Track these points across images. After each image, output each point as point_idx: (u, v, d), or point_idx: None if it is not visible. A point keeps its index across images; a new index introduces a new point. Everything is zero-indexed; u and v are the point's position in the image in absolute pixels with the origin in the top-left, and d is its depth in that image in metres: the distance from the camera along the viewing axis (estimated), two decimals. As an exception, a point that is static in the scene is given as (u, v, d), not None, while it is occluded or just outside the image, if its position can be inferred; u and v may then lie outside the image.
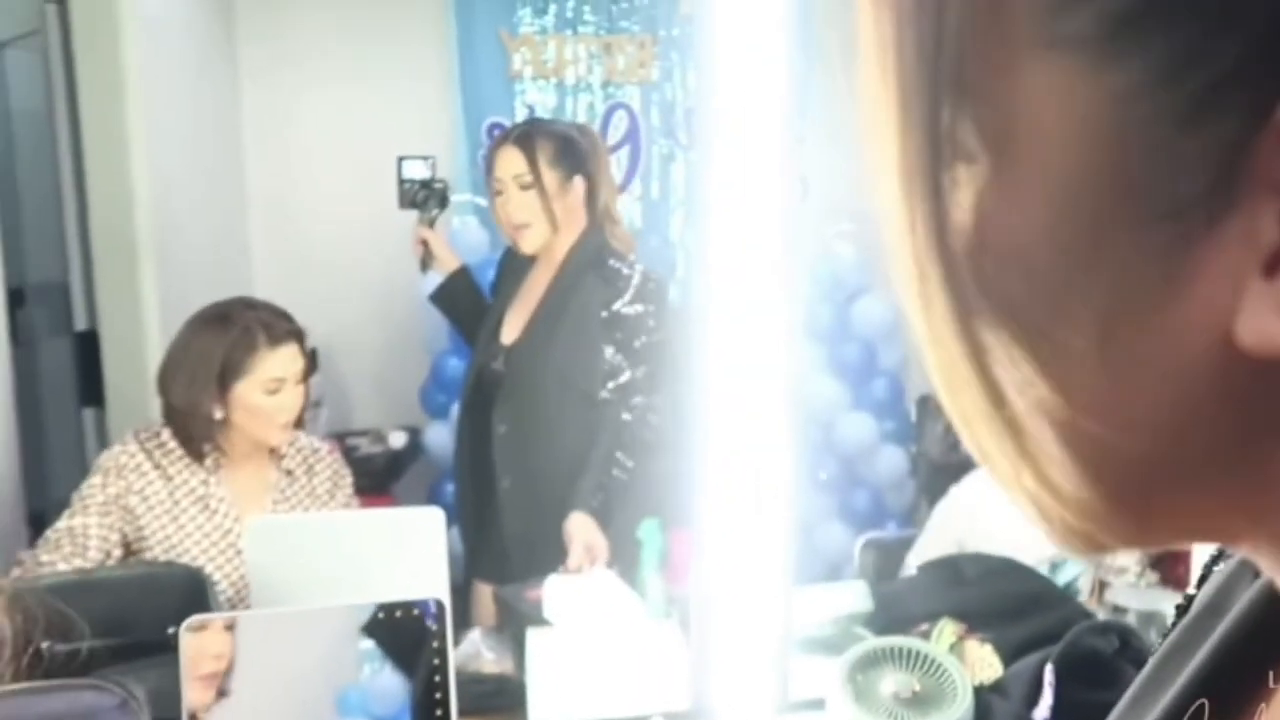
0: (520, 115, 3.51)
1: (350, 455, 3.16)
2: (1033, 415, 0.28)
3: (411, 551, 1.58)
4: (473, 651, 1.69)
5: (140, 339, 2.77)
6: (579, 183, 2.07)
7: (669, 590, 1.74)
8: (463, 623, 1.91)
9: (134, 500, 1.74)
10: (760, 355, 1.50)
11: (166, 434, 1.78)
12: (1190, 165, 0.24)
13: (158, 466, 1.76)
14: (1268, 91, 0.23)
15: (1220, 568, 0.38)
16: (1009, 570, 1.63)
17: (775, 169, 1.48)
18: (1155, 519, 0.29)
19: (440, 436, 3.30)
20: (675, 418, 2.07)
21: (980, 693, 1.36)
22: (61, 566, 1.67)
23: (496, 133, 2.86)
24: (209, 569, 1.65)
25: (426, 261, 2.35)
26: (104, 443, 2.82)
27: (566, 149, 2.08)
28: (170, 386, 1.77)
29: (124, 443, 1.79)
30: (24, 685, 0.51)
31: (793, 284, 1.54)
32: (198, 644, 1.29)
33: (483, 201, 2.45)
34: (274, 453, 1.83)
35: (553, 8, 3.60)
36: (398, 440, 3.52)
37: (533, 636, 1.66)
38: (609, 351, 2.02)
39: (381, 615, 1.35)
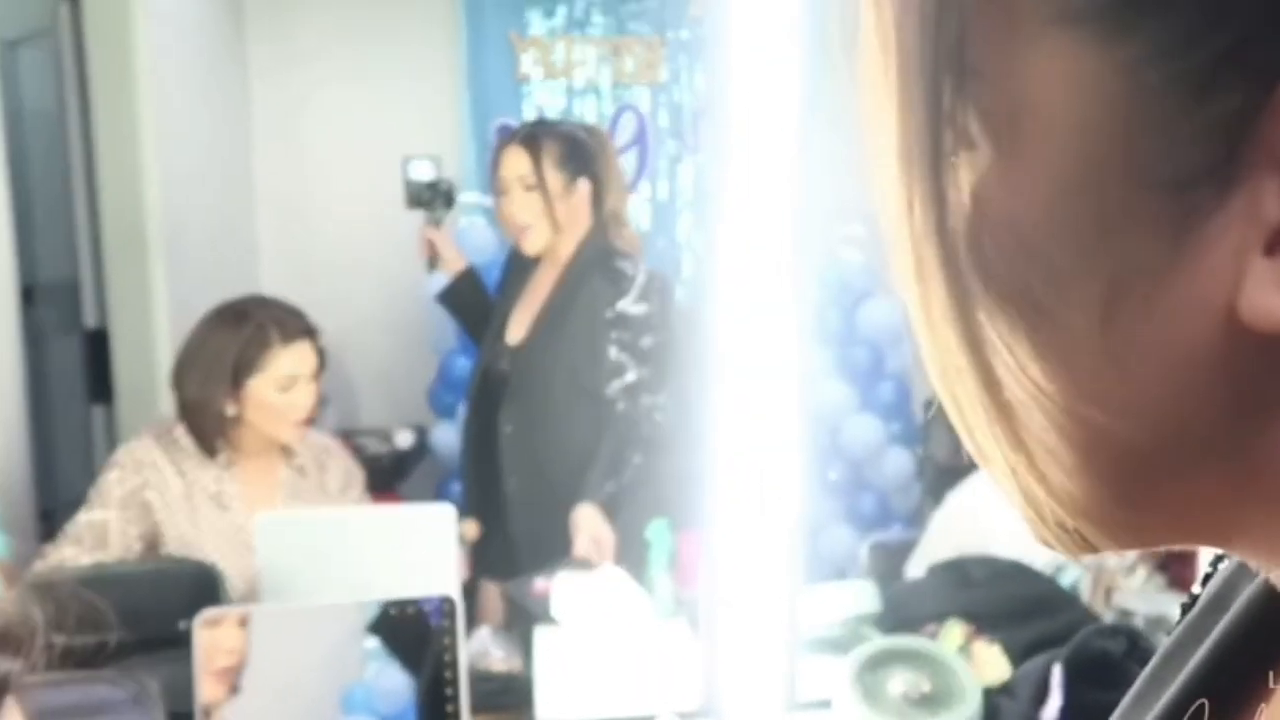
0: (528, 116, 3.52)
1: (357, 454, 3.16)
2: (1029, 403, 0.28)
3: (422, 548, 1.58)
4: (480, 649, 1.70)
5: (150, 337, 2.78)
6: (584, 185, 2.07)
7: (677, 590, 1.75)
8: (469, 621, 1.92)
9: (151, 496, 1.75)
10: (769, 357, 1.51)
11: (180, 430, 1.79)
12: (1195, 140, 0.24)
13: (173, 463, 1.77)
14: (1273, 65, 0.23)
15: (1223, 565, 0.38)
16: (1016, 572, 1.63)
17: (784, 171, 1.49)
18: (1149, 513, 0.29)
19: (447, 436, 3.31)
20: (681, 417, 2.07)
21: (988, 694, 1.36)
22: (84, 560, 1.68)
23: (504, 133, 2.87)
24: (222, 565, 1.66)
25: (433, 261, 2.36)
26: (113, 440, 2.83)
27: (573, 151, 2.09)
28: (184, 382, 1.78)
29: (139, 438, 1.80)
30: (39, 677, 0.52)
31: (801, 286, 1.54)
32: (211, 639, 1.30)
33: (490, 202, 2.45)
34: (286, 450, 1.84)
35: (562, 9, 3.61)
36: (404, 439, 3.53)
37: (540, 635, 1.66)
38: (614, 351, 2.02)
39: (388, 613, 1.36)
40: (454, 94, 3.65)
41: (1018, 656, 1.45)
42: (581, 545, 1.89)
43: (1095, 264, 0.26)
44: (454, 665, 1.36)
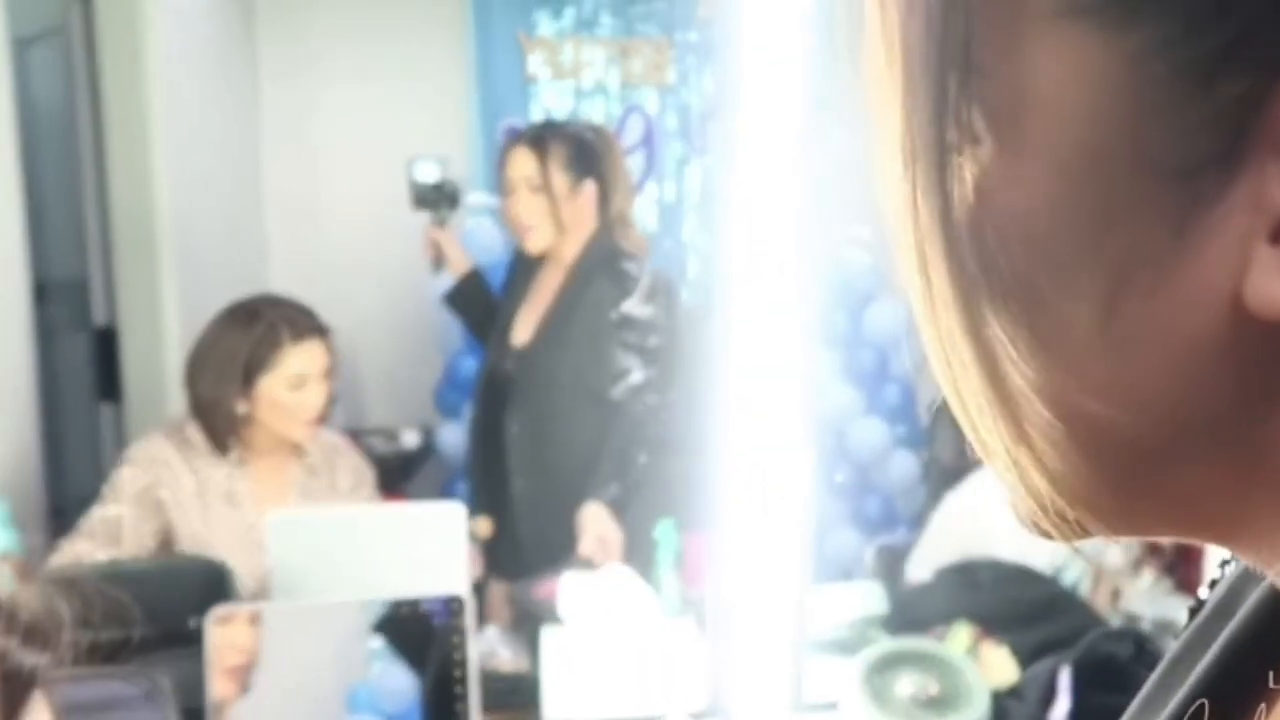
0: (536, 117, 3.53)
1: (363, 454, 3.17)
2: (1032, 395, 0.28)
3: (433, 546, 1.59)
4: (488, 649, 1.70)
5: (159, 335, 2.79)
6: (590, 186, 2.07)
7: (684, 590, 1.75)
8: (477, 620, 1.92)
9: (164, 493, 1.76)
10: (776, 358, 1.52)
11: (192, 428, 1.80)
12: (1199, 128, 0.24)
13: (185, 460, 1.78)
14: (1277, 53, 0.23)
15: (1229, 569, 0.38)
16: (1023, 575, 1.64)
17: (790, 174, 1.49)
18: (1152, 505, 0.29)
19: (453, 436, 3.31)
20: (688, 418, 2.08)
21: (996, 696, 1.37)
22: (99, 555, 1.69)
23: (512, 134, 2.88)
24: (232, 563, 1.67)
25: (438, 262, 2.37)
26: (121, 438, 2.84)
27: (579, 152, 2.09)
28: (196, 381, 1.79)
29: (152, 436, 1.81)
30: (64, 672, 0.53)
31: (808, 288, 1.55)
32: (221, 636, 1.30)
33: (497, 203, 2.46)
34: (297, 449, 1.85)
35: (570, 11, 3.62)
36: (410, 439, 3.53)
37: (547, 635, 1.67)
38: (620, 352, 2.03)
39: (393, 612, 1.36)
40: (462, 94, 3.65)
41: (1025, 659, 1.45)
42: (587, 544, 1.89)
43: (1099, 254, 0.26)
44: (463, 664, 1.37)
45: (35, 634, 0.53)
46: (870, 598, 1.64)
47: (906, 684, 1.34)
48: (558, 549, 1.93)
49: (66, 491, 2.67)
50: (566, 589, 1.74)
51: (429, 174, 2.46)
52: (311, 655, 1.38)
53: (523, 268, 2.21)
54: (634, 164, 3.56)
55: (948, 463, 3.29)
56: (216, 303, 1.88)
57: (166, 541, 1.77)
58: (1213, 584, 0.39)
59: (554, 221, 2.07)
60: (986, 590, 1.60)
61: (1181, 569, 1.83)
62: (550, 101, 3.62)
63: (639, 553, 1.84)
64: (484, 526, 2.07)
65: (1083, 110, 0.25)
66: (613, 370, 2.02)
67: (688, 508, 1.74)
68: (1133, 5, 0.25)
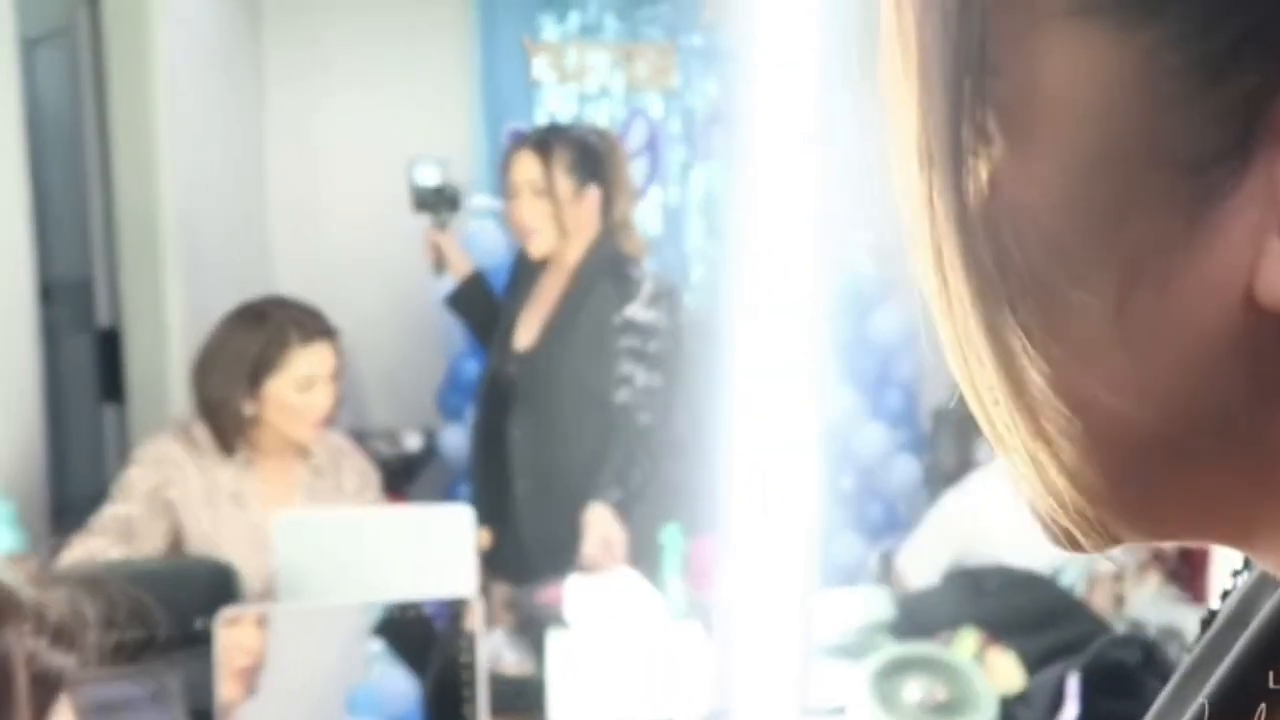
0: (540, 121, 3.53)
1: (365, 456, 3.17)
2: (1048, 391, 0.28)
3: (440, 548, 1.59)
4: (493, 653, 1.70)
5: (162, 337, 2.79)
6: (594, 191, 2.08)
7: (690, 595, 1.75)
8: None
9: (173, 494, 1.76)
10: (781, 362, 1.52)
11: (199, 429, 1.80)
12: (1211, 121, 0.24)
13: (194, 461, 1.78)
14: None
15: (1243, 579, 0.38)
16: (1029, 582, 1.64)
17: (796, 180, 1.49)
18: (1168, 503, 0.29)
19: (455, 439, 3.31)
20: (692, 422, 2.08)
21: (1004, 702, 1.37)
22: (113, 552, 1.69)
23: (517, 138, 2.88)
24: (239, 564, 1.67)
25: (439, 265, 2.37)
26: (124, 440, 2.84)
27: (584, 157, 2.09)
28: (203, 382, 1.79)
29: (161, 436, 1.81)
30: (89, 673, 0.53)
31: (815, 292, 1.55)
32: (230, 638, 1.30)
33: (501, 206, 2.46)
34: (303, 450, 1.85)
35: (575, 15, 3.62)
36: (413, 442, 3.53)
37: (553, 638, 1.67)
38: (622, 357, 2.03)
39: (392, 615, 1.36)
40: (466, 98, 3.66)
41: (1031, 665, 1.45)
42: (592, 545, 1.89)
43: (1111, 249, 0.26)
44: (470, 668, 1.37)
45: (63, 635, 0.53)
46: (876, 603, 1.64)
47: (914, 689, 1.34)
48: (560, 553, 1.93)
49: (69, 492, 2.67)
50: (572, 592, 1.74)
51: (429, 177, 2.46)
52: (318, 657, 1.38)
53: (525, 271, 2.21)
54: (638, 168, 3.56)
55: (949, 468, 3.30)
56: (220, 305, 1.88)
57: (176, 542, 1.77)
58: (1225, 594, 0.39)
59: (557, 226, 2.07)
60: (993, 596, 1.60)
61: (1186, 576, 1.83)
62: (554, 106, 3.63)
63: (645, 557, 1.84)
64: (483, 537, 2.07)
65: (1096, 106, 0.26)
66: (615, 375, 2.02)
67: (693, 512, 1.74)
68: (1150, 2, 0.25)
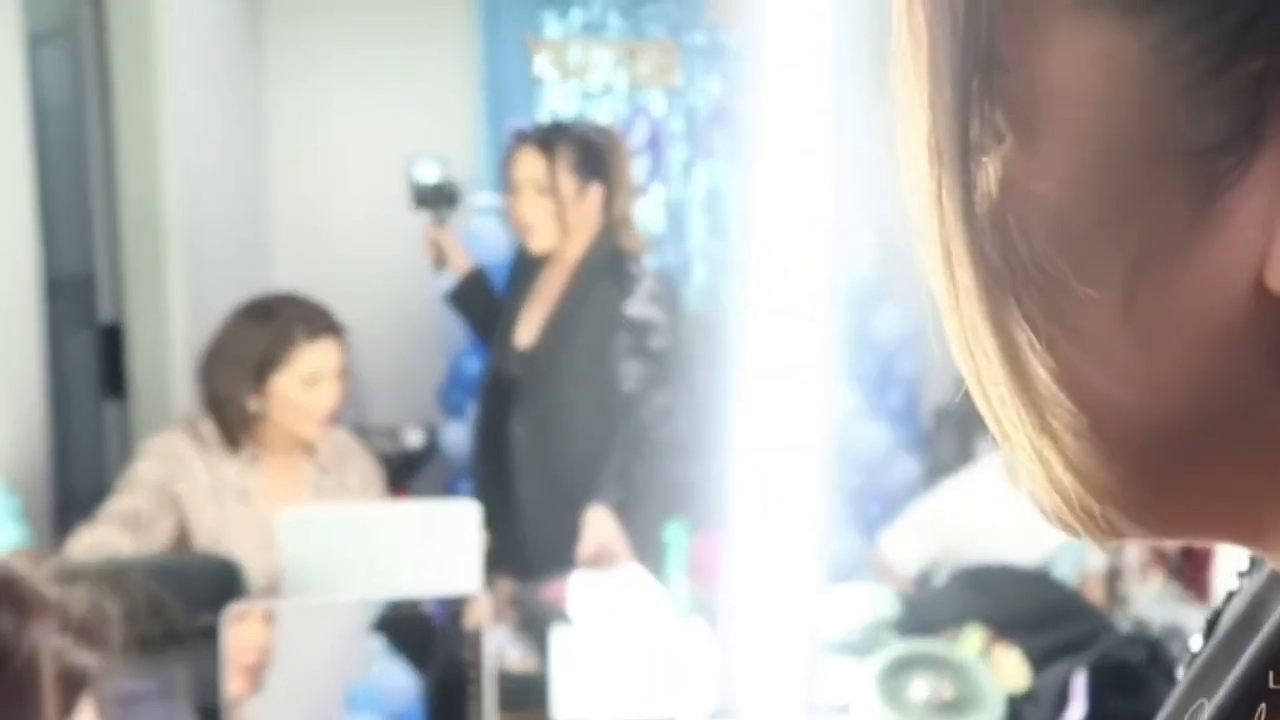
0: (543, 119, 3.53)
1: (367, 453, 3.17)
2: (1055, 384, 0.28)
3: (446, 544, 1.59)
4: (498, 649, 1.70)
5: (165, 333, 2.79)
6: (596, 189, 2.08)
7: (695, 592, 1.75)
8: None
9: (180, 488, 1.76)
10: (786, 361, 1.52)
11: (205, 425, 1.80)
12: (1217, 108, 0.24)
13: (201, 456, 1.78)
14: None
15: (1249, 580, 0.38)
16: (1034, 580, 1.64)
17: (800, 179, 1.50)
18: (1177, 499, 0.29)
19: (457, 435, 3.31)
20: (693, 419, 2.08)
21: (1011, 700, 1.37)
22: (122, 540, 1.68)
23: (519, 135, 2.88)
24: (245, 560, 1.67)
25: (439, 262, 2.37)
26: (126, 436, 2.83)
27: (587, 155, 2.09)
28: (209, 377, 1.79)
29: (169, 431, 1.82)
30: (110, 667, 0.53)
31: (819, 290, 1.55)
32: (236, 634, 1.30)
33: (503, 203, 2.47)
34: (309, 447, 1.85)
35: (577, 13, 3.62)
36: (414, 439, 3.53)
37: (557, 635, 1.67)
38: (623, 354, 2.03)
39: (391, 612, 1.36)
40: (469, 96, 3.66)
41: (1036, 663, 1.46)
42: (588, 549, 1.89)
43: (1119, 241, 0.26)
44: (477, 664, 1.37)
45: (87, 633, 0.54)
46: (881, 600, 1.65)
47: (921, 687, 1.34)
48: (563, 549, 1.93)
49: (71, 488, 2.67)
50: (576, 589, 1.74)
51: (429, 173, 2.46)
52: (323, 653, 1.38)
53: (525, 268, 2.21)
54: (640, 166, 3.56)
55: (950, 466, 3.30)
56: (222, 301, 1.88)
57: (181, 537, 1.77)
58: (1230, 595, 0.39)
59: (559, 223, 2.07)
60: (997, 594, 1.60)
61: (1189, 574, 1.83)
62: (557, 103, 3.63)
63: (649, 554, 1.84)
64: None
65: (1103, 98, 0.26)
66: (616, 371, 2.03)
67: (698, 509, 1.74)
68: None
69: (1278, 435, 0.26)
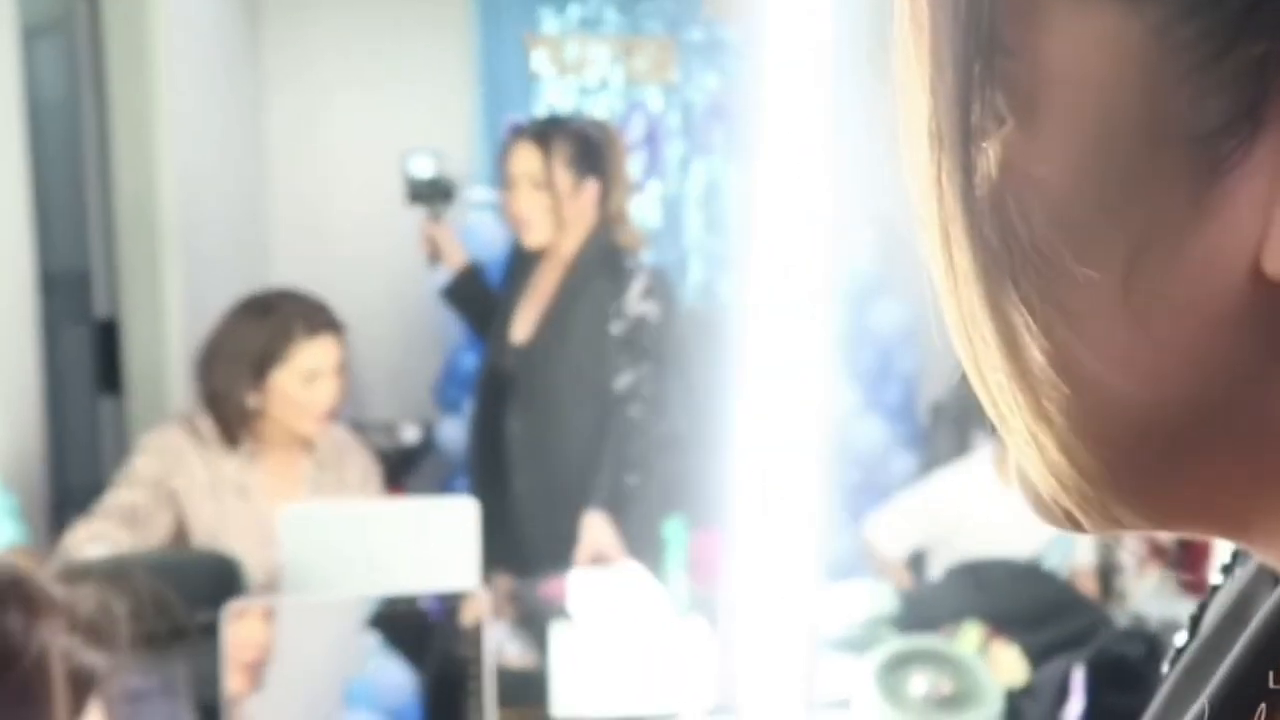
0: (540, 114, 3.53)
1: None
2: (1052, 370, 0.28)
3: (443, 541, 1.59)
4: (496, 645, 1.70)
5: (161, 329, 2.78)
6: (592, 184, 2.08)
7: (694, 588, 1.76)
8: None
9: (178, 484, 1.76)
10: (784, 357, 1.52)
11: (203, 421, 1.80)
12: (1218, 91, 0.24)
13: (199, 452, 1.78)
14: None
15: (1234, 577, 0.38)
16: (1032, 576, 1.65)
17: (798, 173, 1.50)
18: (1170, 488, 0.29)
19: (453, 431, 3.31)
20: (690, 415, 2.08)
21: (1010, 695, 1.37)
22: (120, 535, 1.68)
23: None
24: (244, 556, 1.67)
25: (434, 257, 2.37)
26: (121, 432, 2.83)
27: (584, 150, 2.09)
28: (208, 373, 1.79)
29: (167, 426, 1.81)
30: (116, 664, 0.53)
31: (820, 286, 1.55)
32: (237, 632, 1.30)
33: (500, 198, 2.46)
34: (307, 443, 1.85)
35: (574, 8, 3.62)
36: (410, 435, 3.53)
37: (557, 631, 1.67)
38: (618, 349, 2.03)
39: (387, 609, 1.36)
40: (466, 91, 3.65)
41: (1034, 659, 1.46)
42: (584, 555, 1.89)
43: (1118, 224, 0.26)
44: (477, 661, 1.37)
45: (95, 632, 0.53)
46: (880, 596, 1.65)
47: (920, 683, 1.34)
48: (559, 545, 1.93)
49: (67, 484, 2.66)
50: (575, 586, 1.74)
51: (424, 168, 2.45)
52: (323, 650, 1.38)
53: (521, 263, 2.21)
54: (637, 162, 3.56)
55: (948, 462, 3.31)
56: (218, 297, 1.88)
57: (179, 534, 1.77)
58: (1214, 591, 0.39)
59: (554, 218, 2.07)
60: (996, 590, 1.61)
61: (1187, 568, 1.84)
62: (554, 98, 3.63)
63: (647, 551, 1.85)
64: None
65: (1105, 81, 0.26)
66: (612, 367, 2.02)
67: (697, 505, 1.74)
68: None
69: (1270, 425, 0.26)
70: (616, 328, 2.03)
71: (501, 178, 2.16)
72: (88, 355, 2.94)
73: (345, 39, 3.61)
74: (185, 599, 1.48)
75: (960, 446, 3.12)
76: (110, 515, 1.71)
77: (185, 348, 2.29)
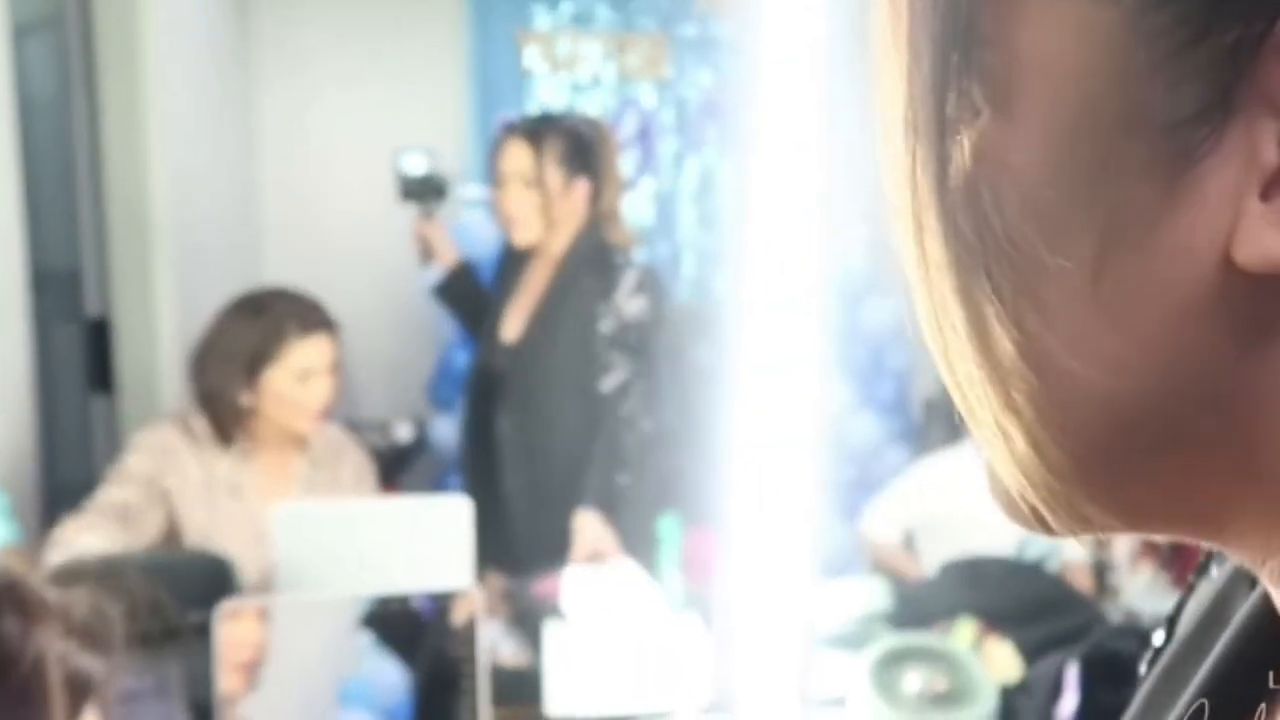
0: (532, 111, 3.52)
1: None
2: (1021, 360, 0.28)
3: (437, 540, 1.59)
4: (490, 644, 1.70)
5: (152, 327, 2.77)
6: (583, 183, 2.07)
7: (688, 586, 1.76)
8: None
9: (170, 483, 1.75)
10: (777, 354, 1.52)
11: (197, 420, 1.79)
12: (1189, 80, 0.25)
13: (192, 451, 1.77)
14: (1269, 2, 0.24)
15: (1213, 576, 0.38)
16: (1026, 572, 1.65)
17: (791, 170, 1.50)
18: (1140, 484, 0.28)
19: (446, 429, 3.31)
20: (684, 413, 2.08)
21: (1004, 692, 1.38)
22: (111, 529, 1.67)
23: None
24: (237, 555, 1.67)
25: (426, 254, 2.36)
26: (113, 431, 2.82)
27: (575, 148, 2.09)
28: (201, 372, 1.78)
29: (160, 425, 1.81)
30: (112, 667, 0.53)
31: (812, 283, 1.55)
32: (231, 632, 1.30)
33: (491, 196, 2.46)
34: (301, 442, 1.84)
35: (567, 5, 3.61)
36: (403, 433, 3.52)
37: (551, 629, 1.67)
38: (609, 347, 2.03)
39: (379, 608, 1.36)
40: (458, 88, 3.65)
41: (1028, 655, 1.46)
42: (579, 555, 1.89)
43: (1090, 213, 0.26)
44: (468, 660, 1.37)
45: (91, 636, 0.53)
46: (874, 593, 1.65)
47: (914, 679, 1.34)
48: (551, 544, 1.93)
49: (58, 483, 2.65)
50: (569, 584, 1.74)
51: (416, 166, 2.45)
52: (317, 650, 1.38)
53: (511, 262, 2.21)
54: (630, 158, 3.56)
55: (941, 459, 3.31)
56: (211, 295, 1.87)
57: (171, 533, 1.76)
58: (1191, 590, 0.39)
59: (545, 216, 2.07)
60: (989, 587, 1.61)
61: (1179, 564, 1.84)
62: (547, 95, 3.62)
63: (641, 549, 1.85)
64: None
65: (1080, 70, 0.26)
66: (602, 365, 2.02)
67: (691, 503, 1.74)
68: None
69: (1241, 419, 0.26)
70: (606, 326, 2.02)
71: (493, 176, 2.16)
72: (79, 354, 2.93)
73: (337, 36, 3.60)
74: (178, 599, 1.48)
75: (953, 442, 3.13)
76: (101, 512, 1.70)
77: (177, 346, 2.28)
